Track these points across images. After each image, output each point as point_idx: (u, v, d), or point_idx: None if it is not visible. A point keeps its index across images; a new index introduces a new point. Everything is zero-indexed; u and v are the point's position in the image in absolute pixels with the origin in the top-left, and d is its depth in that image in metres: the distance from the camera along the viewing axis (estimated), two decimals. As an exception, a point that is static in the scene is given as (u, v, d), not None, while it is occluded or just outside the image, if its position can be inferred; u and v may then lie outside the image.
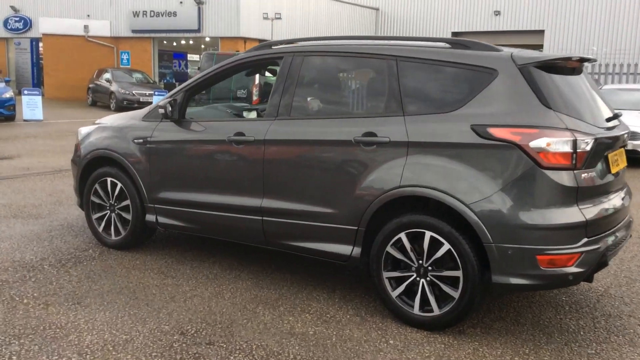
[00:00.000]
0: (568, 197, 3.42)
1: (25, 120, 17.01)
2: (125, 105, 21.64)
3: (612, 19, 26.44)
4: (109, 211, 5.19)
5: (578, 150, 3.39)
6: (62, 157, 10.42)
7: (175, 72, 31.64)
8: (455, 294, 3.56)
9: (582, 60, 3.91)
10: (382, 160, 3.78)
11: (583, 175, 3.45)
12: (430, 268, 3.64)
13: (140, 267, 4.76)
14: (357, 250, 3.93)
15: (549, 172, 3.37)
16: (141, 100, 21.95)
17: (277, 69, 4.43)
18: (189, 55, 33.12)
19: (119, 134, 5.09)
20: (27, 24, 29.83)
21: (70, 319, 3.73)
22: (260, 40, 23.51)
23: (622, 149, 3.99)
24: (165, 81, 29.72)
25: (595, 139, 3.49)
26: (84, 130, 5.54)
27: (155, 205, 4.85)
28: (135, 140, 4.91)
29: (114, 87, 23.15)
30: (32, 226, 5.85)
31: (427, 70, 3.82)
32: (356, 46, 4.19)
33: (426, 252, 3.64)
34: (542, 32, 28.14)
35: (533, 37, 27.96)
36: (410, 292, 3.75)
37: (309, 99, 4.43)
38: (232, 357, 3.31)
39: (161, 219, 4.86)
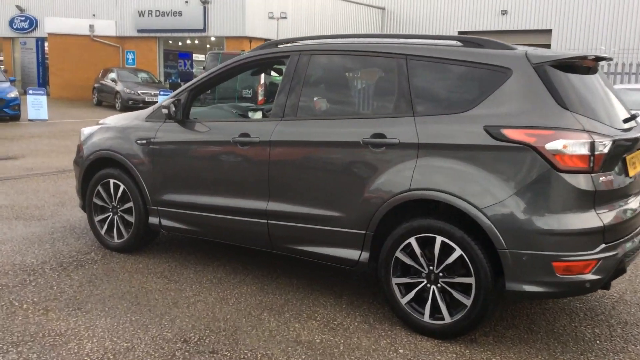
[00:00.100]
0: (585, 202, 3.29)
1: (30, 120, 16.95)
2: (131, 104, 21.57)
3: (620, 18, 26.21)
4: (111, 213, 5.09)
5: (596, 153, 3.26)
6: (66, 157, 10.34)
7: (181, 71, 31.55)
8: (468, 302, 3.44)
9: (598, 59, 3.77)
10: (391, 163, 3.66)
11: (601, 178, 3.32)
12: (441, 274, 3.52)
13: (143, 270, 4.65)
14: (365, 255, 3.81)
15: (565, 175, 3.24)
16: (146, 100, 21.86)
17: (283, 68, 4.32)
18: (194, 55, 33.05)
19: (122, 134, 4.99)
20: (33, 23, 29.83)
21: (71, 326, 3.63)
22: (265, 40, 23.39)
23: (640, 151, 3.86)
24: (170, 81, 29.64)
25: (613, 141, 3.36)
26: (86, 130, 5.45)
27: (159, 208, 4.75)
28: (139, 141, 4.81)
29: (119, 87, 23.09)
30: (34, 228, 5.76)
31: (438, 70, 3.69)
32: (364, 44, 4.07)
33: (437, 258, 3.52)
34: (549, 31, 27.91)
35: (540, 37, 27.72)
36: (420, 299, 3.63)
37: (315, 99, 4.32)
38: (236, 367, 3.20)
39: (164, 222, 4.75)
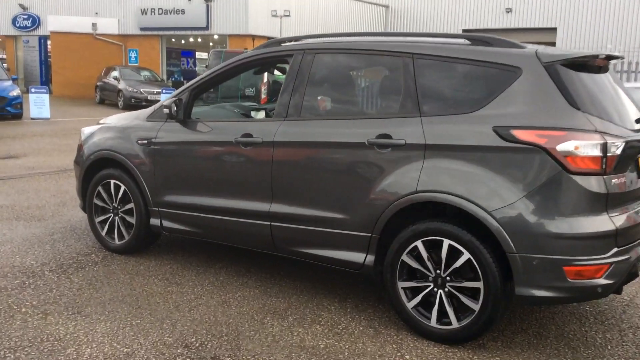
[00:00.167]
0: (597, 204, 3.20)
1: (32, 119, 16.90)
2: (133, 103, 21.51)
3: (626, 16, 26.02)
4: (112, 214, 5.01)
5: (608, 154, 3.16)
6: (68, 156, 10.26)
7: (184, 70, 31.51)
8: (476, 307, 3.35)
9: (610, 57, 3.68)
10: (397, 164, 3.57)
11: (613, 180, 3.23)
12: (448, 278, 3.43)
13: (144, 273, 4.58)
14: (370, 258, 3.73)
15: (576, 178, 3.15)
16: (149, 98, 21.80)
17: (287, 67, 4.23)
18: (197, 53, 32.98)
19: (122, 134, 4.91)
20: (36, 21, 29.80)
21: (70, 330, 3.55)
22: (268, 38, 23.31)
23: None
24: (173, 79, 29.60)
25: (626, 142, 3.26)
26: (87, 130, 5.37)
27: (160, 209, 4.67)
28: (139, 141, 4.73)
29: (121, 85, 23.03)
30: (35, 229, 5.69)
31: (445, 69, 3.60)
32: (370, 43, 3.98)
33: (444, 262, 3.43)
34: (554, 29, 27.73)
35: (545, 35, 27.55)
36: (427, 304, 3.54)
37: (319, 98, 4.23)
38: (238, 373, 3.12)
39: (166, 223, 4.67)
